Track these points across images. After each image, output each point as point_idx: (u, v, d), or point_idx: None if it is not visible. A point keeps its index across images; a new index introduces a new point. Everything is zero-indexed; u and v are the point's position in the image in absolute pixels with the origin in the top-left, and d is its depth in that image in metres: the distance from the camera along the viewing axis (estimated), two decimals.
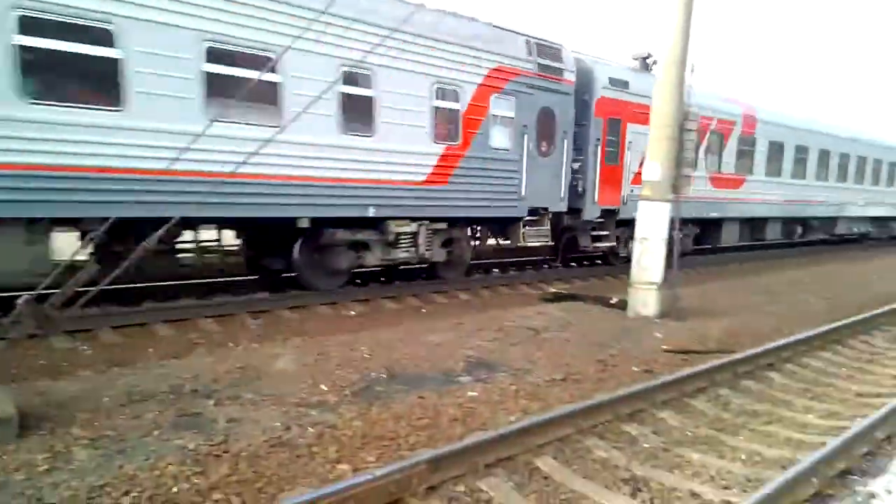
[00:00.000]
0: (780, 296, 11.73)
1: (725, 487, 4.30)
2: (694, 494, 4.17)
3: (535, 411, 5.38)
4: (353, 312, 9.23)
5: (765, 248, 20.75)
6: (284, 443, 4.54)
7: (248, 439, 4.54)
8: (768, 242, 19.68)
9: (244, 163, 5.72)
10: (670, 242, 9.25)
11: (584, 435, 4.98)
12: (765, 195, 18.09)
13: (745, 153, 17.20)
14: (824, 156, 20.35)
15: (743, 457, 4.80)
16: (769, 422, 5.58)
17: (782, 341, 7.69)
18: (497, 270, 13.14)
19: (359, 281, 10.92)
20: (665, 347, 7.55)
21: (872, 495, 4.07)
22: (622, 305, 9.41)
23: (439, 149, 10.40)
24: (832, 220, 22.00)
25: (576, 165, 12.80)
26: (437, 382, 5.93)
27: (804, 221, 20.91)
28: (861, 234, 24.59)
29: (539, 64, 11.62)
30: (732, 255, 18.82)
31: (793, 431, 5.34)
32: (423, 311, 9.56)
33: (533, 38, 11.70)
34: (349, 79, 9.23)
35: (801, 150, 19.29)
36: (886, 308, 10.04)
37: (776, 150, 18.23)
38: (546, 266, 14.08)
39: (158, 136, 7.52)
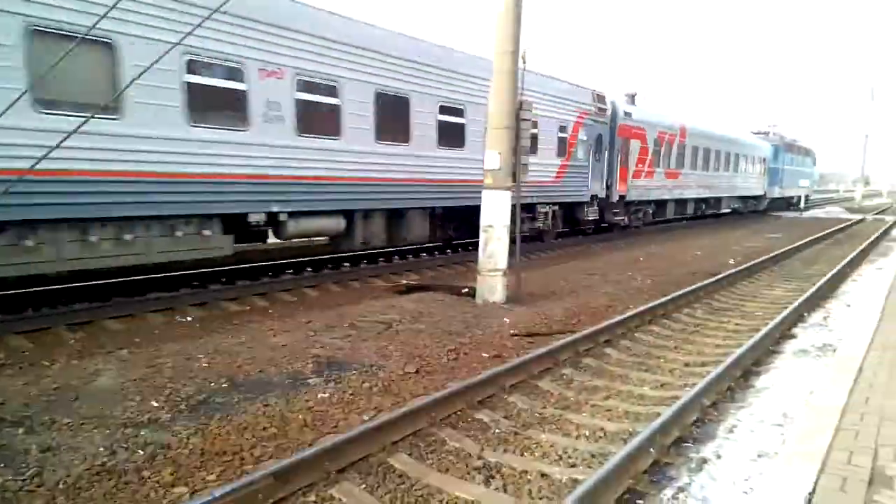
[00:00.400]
0: (615, 274, 12.55)
1: (572, 466, 4.44)
2: (544, 475, 4.26)
3: (389, 408, 5.27)
4: (189, 318, 8.54)
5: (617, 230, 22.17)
6: (110, 469, 4.08)
7: (66, 469, 4.04)
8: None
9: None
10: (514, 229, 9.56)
11: (437, 427, 4.95)
12: (689, 184, 25.48)
13: (681, 154, 24.27)
14: (717, 154, 28.02)
15: (587, 433, 4.99)
16: (609, 396, 5.88)
17: (617, 318, 8.17)
18: (348, 264, 12.85)
19: (196, 283, 10.16)
20: (512, 332, 7.75)
21: (704, 460, 4.39)
22: (472, 293, 9.56)
23: (559, 161, 17.03)
24: (720, 200, 30.34)
25: (606, 167, 19.49)
26: (284, 387, 5.63)
27: (706, 201, 28.65)
28: (734, 209, 33.37)
29: (596, 107, 18.48)
30: (588, 238, 19.86)
31: (630, 404, 5.66)
32: (270, 311, 9.08)
33: (594, 90, 18.45)
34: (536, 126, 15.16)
35: (706, 151, 26.75)
36: (706, 282, 11.04)
37: (694, 151, 25.51)
38: (396, 258, 14.03)
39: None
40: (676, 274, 12.94)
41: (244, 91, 9.25)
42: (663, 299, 9.40)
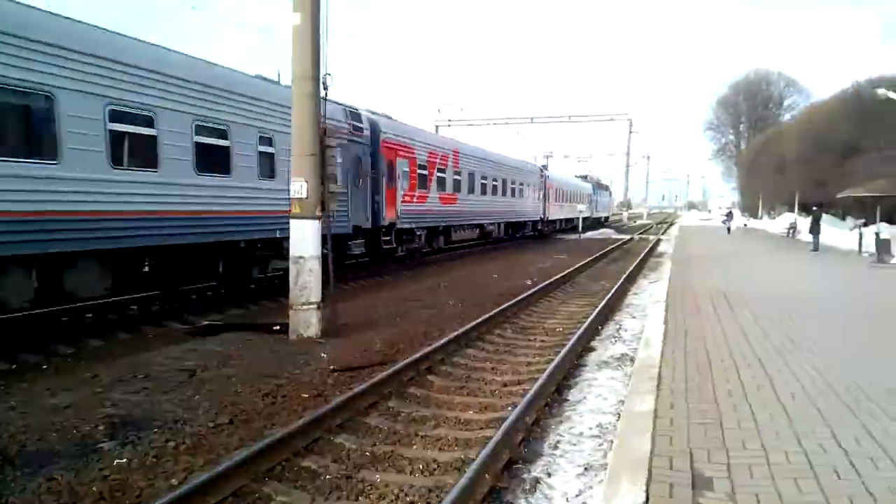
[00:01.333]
0: (426, 300, 12.69)
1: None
2: None
3: (202, 467, 4.68)
4: None
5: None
6: None
7: None
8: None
9: None
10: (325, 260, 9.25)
11: (260, 482, 4.48)
12: (566, 210, 43.60)
13: (562, 194, 42.88)
14: (574, 193, 47.24)
15: (421, 467, 4.84)
16: (437, 425, 5.79)
17: (435, 344, 8.19)
18: (136, 307, 11.54)
19: None
20: (332, 367, 7.41)
21: (537, 480, 4.43)
22: (284, 329, 9.04)
23: (539, 200, 37.04)
24: (572, 219, 44.66)
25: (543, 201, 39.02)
26: (71, 456, 4.75)
27: (569, 220, 44.88)
28: (575, 225, 45.31)
29: (541, 173, 38.57)
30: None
31: (458, 431, 5.63)
32: (44, 367, 7.76)
33: (540, 166, 41.67)
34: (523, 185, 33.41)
35: (568, 192, 45.17)
36: (508, 303, 11.56)
37: (565, 193, 44.24)
38: (194, 297, 12.92)
39: None
40: (480, 297, 13.41)
41: None
42: (476, 322, 9.65)
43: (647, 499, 3.39)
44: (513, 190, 30.97)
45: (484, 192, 26.77)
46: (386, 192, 17.75)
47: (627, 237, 38.54)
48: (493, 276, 17.45)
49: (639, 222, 74.47)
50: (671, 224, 67.56)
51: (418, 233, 20.90)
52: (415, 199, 20.06)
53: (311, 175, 9.07)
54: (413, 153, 19.86)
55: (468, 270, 19.29)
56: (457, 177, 23.42)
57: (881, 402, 5.12)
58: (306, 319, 8.89)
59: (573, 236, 40.51)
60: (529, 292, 13.17)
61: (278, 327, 9.24)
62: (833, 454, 4.02)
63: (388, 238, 18.44)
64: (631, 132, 63.42)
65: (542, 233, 37.81)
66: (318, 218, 9.14)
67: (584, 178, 58.02)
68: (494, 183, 28.02)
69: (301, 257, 8.94)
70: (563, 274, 16.84)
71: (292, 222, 9.08)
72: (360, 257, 17.87)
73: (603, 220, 61.03)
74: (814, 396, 5.32)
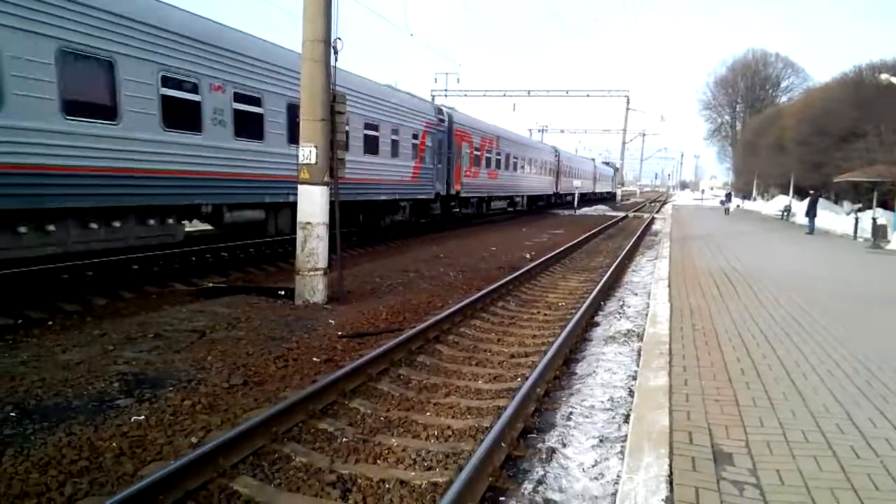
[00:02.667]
0: (427, 270, 12.71)
1: (429, 469, 4.30)
2: (403, 482, 4.07)
3: (220, 426, 4.71)
4: None
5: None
6: None
7: None
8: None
9: None
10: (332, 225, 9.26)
11: (280, 443, 4.53)
12: (598, 187, 62.19)
13: (593, 177, 59.78)
14: (605, 175, 66.57)
15: (436, 433, 4.89)
16: (448, 393, 5.84)
17: (441, 314, 8.21)
18: (136, 266, 11.46)
19: None
20: (340, 333, 7.44)
21: (553, 450, 4.49)
22: (290, 294, 9.03)
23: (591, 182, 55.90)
24: (604, 193, 64.51)
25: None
26: (88, 412, 4.78)
27: (597, 193, 59.95)
28: (603, 196, 62.28)
29: (595, 167, 63.90)
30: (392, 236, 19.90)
31: (470, 399, 5.68)
32: (50, 323, 7.74)
33: (611, 162, 76.64)
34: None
35: (601, 175, 63.97)
36: (512, 276, 11.59)
37: (603, 175, 66.50)
38: (193, 259, 12.86)
39: None
40: (481, 268, 13.45)
41: None
42: (479, 294, 9.66)
43: (671, 472, 3.44)
44: (594, 179, 57.74)
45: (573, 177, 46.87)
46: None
47: (622, 214, 38.56)
48: (491, 249, 17.48)
49: (632, 200, 74.62)
50: (664, 203, 67.73)
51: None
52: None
53: (321, 140, 8.98)
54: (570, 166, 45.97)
55: (465, 242, 19.31)
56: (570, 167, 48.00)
57: (891, 384, 5.20)
58: (313, 285, 8.89)
59: (568, 212, 40.54)
60: (529, 266, 13.19)
61: (283, 292, 9.24)
62: (850, 434, 4.10)
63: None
64: (628, 108, 62.91)
65: (587, 201, 52.79)
66: (327, 184, 9.08)
67: (607, 164, 77.74)
68: (577, 174, 49.24)
69: (308, 223, 8.89)
70: (560, 249, 16.87)
71: (300, 188, 9.01)
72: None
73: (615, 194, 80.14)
74: (824, 376, 5.40)
